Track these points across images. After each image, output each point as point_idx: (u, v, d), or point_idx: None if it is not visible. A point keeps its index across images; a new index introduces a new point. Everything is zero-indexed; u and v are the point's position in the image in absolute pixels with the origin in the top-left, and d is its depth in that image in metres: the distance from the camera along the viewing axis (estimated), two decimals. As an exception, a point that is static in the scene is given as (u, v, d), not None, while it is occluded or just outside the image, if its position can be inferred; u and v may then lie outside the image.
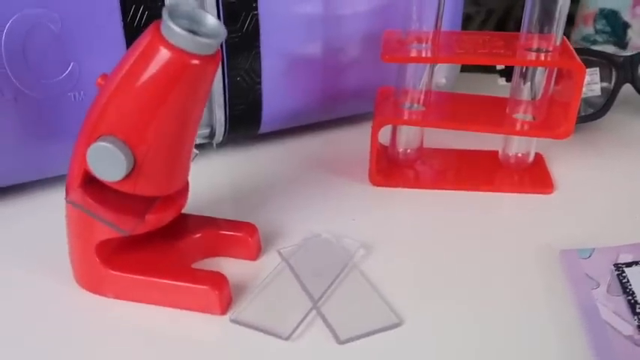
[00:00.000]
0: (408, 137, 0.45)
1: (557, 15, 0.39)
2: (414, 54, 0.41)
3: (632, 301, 0.33)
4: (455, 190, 0.44)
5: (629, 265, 0.35)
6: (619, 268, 0.35)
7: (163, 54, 0.29)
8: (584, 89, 0.50)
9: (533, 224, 0.41)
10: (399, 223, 0.41)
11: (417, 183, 0.44)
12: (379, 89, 0.45)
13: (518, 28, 0.41)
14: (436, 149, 0.47)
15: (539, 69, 0.41)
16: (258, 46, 0.43)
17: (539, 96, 0.42)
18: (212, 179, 0.45)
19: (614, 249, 0.36)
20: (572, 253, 0.37)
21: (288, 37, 0.44)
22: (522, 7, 0.40)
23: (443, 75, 0.51)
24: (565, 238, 0.39)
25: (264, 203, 0.42)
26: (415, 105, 0.43)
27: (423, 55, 0.41)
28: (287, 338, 0.32)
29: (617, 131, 0.51)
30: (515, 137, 0.44)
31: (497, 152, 0.46)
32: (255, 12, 0.42)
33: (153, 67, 0.29)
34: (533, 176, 0.45)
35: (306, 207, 0.42)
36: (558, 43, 0.40)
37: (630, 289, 0.33)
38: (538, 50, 0.40)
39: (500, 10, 0.72)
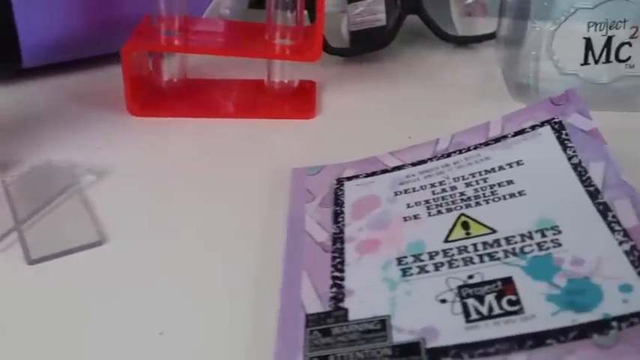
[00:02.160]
0: (172, 66, 0.44)
1: None
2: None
3: (339, 211, 0.32)
4: (218, 118, 0.43)
5: (349, 179, 0.35)
6: (339, 182, 0.35)
7: None
8: (368, 18, 0.50)
9: (285, 147, 0.40)
10: (148, 152, 0.40)
11: (178, 112, 0.43)
12: (143, 18, 0.44)
13: None
14: (203, 79, 0.46)
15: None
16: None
17: (294, 21, 0.42)
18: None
19: (341, 165, 0.36)
20: (301, 170, 0.36)
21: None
22: None
23: (226, 6, 0.49)
24: (312, 159, 0.38)
25: (11, 135, 0.40)
26: (172, 32, 0.42)
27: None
28: (-25, 260, 0.31)
29: (405, 62, 0.51)
30: (278, 64, 0.43)
31: (263, 81, 0.45)
32: None
33: None
34: (299, 103, 0.44)
35: (56, 138, 0.40)
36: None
37: (341, 201, 0.33)
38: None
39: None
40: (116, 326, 0.27)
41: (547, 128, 0.33)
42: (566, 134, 0.32)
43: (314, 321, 0.26)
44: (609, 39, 0.41)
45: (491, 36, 0.51)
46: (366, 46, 0.50)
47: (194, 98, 0.44)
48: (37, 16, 0.43)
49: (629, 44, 0.41)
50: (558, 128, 0.33)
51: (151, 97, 0.44)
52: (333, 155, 0.38)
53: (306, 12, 0.43)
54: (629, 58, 0.42)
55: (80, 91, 0.46)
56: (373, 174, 0.35)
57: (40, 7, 0.43)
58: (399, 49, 0.52)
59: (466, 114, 0.43)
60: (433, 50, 0.53)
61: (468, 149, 0.34)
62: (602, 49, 0.41)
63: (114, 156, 0.39)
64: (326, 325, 0.26)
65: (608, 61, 0.42)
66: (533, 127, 0.33)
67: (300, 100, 0.44)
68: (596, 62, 0.42)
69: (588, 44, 0.41)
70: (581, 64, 0.42)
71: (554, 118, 0.33)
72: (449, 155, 0.34)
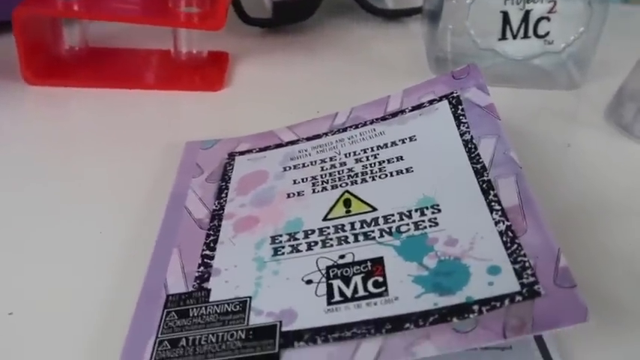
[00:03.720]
0: (73, 34, 0.41)
1: None
2: None
3: (224, 186, 0.31)
4: (120, 88, 0.40)
5: (242, 153, 0.33)
6: (231, 156, 0.33)
7: None
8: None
9: (187, 120, 0.38)
10: (42, 121, 0.38)
11: (78, 82, 0.40)
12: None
13: None
14: (107, 48, 0.43)
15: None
16: None
17: (201, -14, 0.40)
18: None
19: (237, 139, 0.34)
20: (195, 144, 0.34)
21: None
22: None
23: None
24: (212, 133, 0.36)
25: None
26: (71, -4, 0.40)
27: None
28: None
29: (329, 34, 0.49)
30: (185, 33, 0.41)
31: (169, 51, 0.43)
32: None
33: None
34: (208, 75, 0.42)
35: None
36: None
37: (228, 176, 0.31)
38: None
39: None
40: (-39, 306, 0.25)
41: (444, 103, 0.31)
42: (462, 109, 0.31)
43: (174, 302, 0.25)
44: (527, 13, 0.40)
45: (418, 10, 0.50)
46: (288, 17, 0.48)
47: (96, 68, 0.42)
48: None
49: (548, 19, 0.40)
50: (455, 103, 0.31)
51: (50, 66, 0.41)
52: (234, 130, 0.36)
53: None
54: (547, 33, 0.40)
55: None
56: (266, 149, 0.33)
57: None
58: (324, 22, 0.50)
59: (381, 89, 0.41)
60: (361, 24, 0.51)
61: (365, 124, 0.32)
62: (520, 24, 0.40)
63: (12, 126, 0.37)
64: (185, 306, 0.24)
65: (526, 36, 0.40)
66: (431, 102, 0.32)
67: (209, 72, 0.42)
68: (514, 37, 0.40)
69: (505, 18, 0.40)
70: (499, 39, 0.41)
71: (452, 93, 0.32)
72: (345, 130, 0.33)
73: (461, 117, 0.30)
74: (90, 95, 0.40)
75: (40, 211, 0.30)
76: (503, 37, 0.40)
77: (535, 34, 0.40)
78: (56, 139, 0.36)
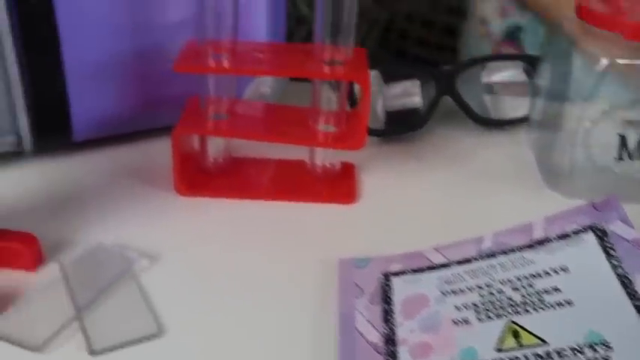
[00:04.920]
0: (217, 146, 0.45)
1: (345, 26, 0.40)
2: (211, 64, 0.41)
3: (388, 309, 0.33)
4: (262, 200, 0.44)
5: (396, 274, 0.36)
6: (387, 277, 0.36)
7: None
8: (405, 100, 0.52)
9: (329, 234, 0.41)
10: (196, 233, 0.41)
11: (223, 193, 0.44)
12: (189, 98, 0.45)
13: (403, 37, 0.41)
14: (247, 158, 0.47)
15: (339, 79, 0.42)
16: (60, 54, 0.43)
17: (339, 107, 0.43)
18: (17, 188, 0.44)
19: (387, 258, 0.37)
20: (349, 262, 0.38)
21: (95, 45, 0.44)
22: (405, 17, 0.41)
23: (268, 85, 0.51)
24: (356, 248, 0.39)
25: (63, 213, 0.42)
26: (220, 115, 0.44)
27: (220, 65, 0.41)
28: (38, 350, 0.32)
29: (440, 143, 0.53)
30: (321, 148, 0.45)
31: (304, 161, 0.46)
32: (53, 19, 0.42)
33: None
34: (340, 186, 0.45)
35: (107, 217, 0.42)
36: (350, 55, 0.41)
37: (390, 298, 0.34)
38: (332, 62, 0.41)
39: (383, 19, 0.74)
40: None
41: (590, 235, 0.34)
42: (610, 243, 0.33)
43: None
44: (644, 137, 0.43)
45: (523, 119, 0.53)
46: (401, 127, 0.52)
47: (238, 179, 0.46)
48: (90, 92, 0.45)
49: (665, 141, 0.43)
50: (601, 235, 0.34)
51: (197, 177, 0.45)
52: (375, 243, 0.39)
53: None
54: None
55: (127, 166, 0.47)
56: (419, 270, 0.36)
57: (93, 84, 0.45)
58: (432, 130, 0.53)
59: (502, 203, 0.44)
60: (466, 131, 0.54)
61: (512, 250, 0.35)
62: (637, 146, 0.43)
63: (163, 238, 0.40)
64: None
65: (643, 158, 0.43)
66: (576, 232, 0.35)
67: (339, 184, 0.46)
68: (631, 159, 0.43)
69: (623, 141, 0.43)
70: (616, 159, 0.43)
71: (596, 225, 0.34)
72: (493, 255, 0.35)
73: (610, 250, 0.33)
74: (232, 205, 0.43)
75: (223, 332, 0.34)
76: (620, 158, 0.43)
77: (652, 156, 0.43)
78: (211, 253, 0.39)
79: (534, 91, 0.51)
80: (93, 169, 0.47)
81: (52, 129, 0.45)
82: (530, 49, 0.62)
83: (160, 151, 0.48)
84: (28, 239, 0.37)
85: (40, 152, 0.47)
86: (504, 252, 0.35)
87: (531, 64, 0.53)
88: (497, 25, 0.65)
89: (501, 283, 0.33)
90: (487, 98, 0.55)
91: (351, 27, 0.40)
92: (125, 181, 0.46)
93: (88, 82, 0.44)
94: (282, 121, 0.44)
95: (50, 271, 0.37)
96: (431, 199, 0.45)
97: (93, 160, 0.48)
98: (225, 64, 0.41)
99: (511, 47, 0.65)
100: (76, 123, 0.45)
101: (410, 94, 0.52)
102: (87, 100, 0.45)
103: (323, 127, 0.44)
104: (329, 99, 0.43)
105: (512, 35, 0.64)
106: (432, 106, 0.51)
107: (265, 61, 0.42)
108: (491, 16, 0.65)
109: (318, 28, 0.41)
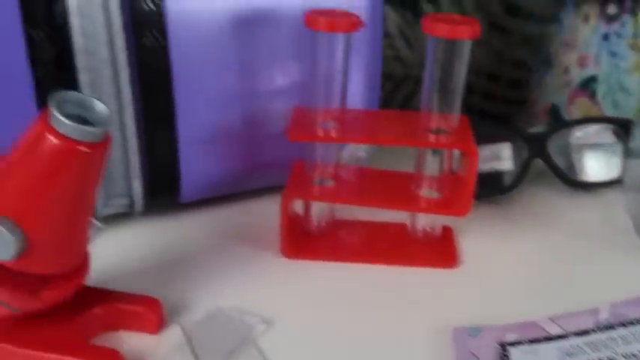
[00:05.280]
0: (321, 210, 0.46)
1: (454, 95, 0.42)
2: (320, 133, 0.43)
3: (508, 380, 0.34)
4: (365, 263, 0.45)
5: (512, 344, 0.36)
6: (503, 347, 0.36)
7: (51, 142, 0.30)
8: (495, 163, 0.53)
9: (435, 299, 0.42)
10: (305, 296, 0.42)
11: (328, 255, 0.45)
12: (293, 163, 0.47)
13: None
14: (349, 221, 0.48)
15: (442, 146, 0.43)
16: (175, 120, 0.45)
17: (442, 172, 0.44)
18: (128, 249, 0.46)
19: (501, 328, 0.38)
20: (462, 330, 0.38)
21: (205, 112, 0.46)
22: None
23: (362, 148, 0.52)
24: (463, 314, 0.40)
25: (175, 274, 0.43)
26: (325, 180, 0.45)
27: (329, 134, 0.43)
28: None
29: (530, 205, 0.53)
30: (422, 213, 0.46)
31: (405, 224, 0.47)
32: (170, 89, 0.44)
33: (42, 154, 0.30)
34: (441, 250, 0.46)
35: (218, 279, 0.43)
36: (456, 123, 0.42)
37: (509, 369, 0.35)
38: (438, 131, 0.42)
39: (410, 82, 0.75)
40: None
41: None
42: None
43: None
44: None
45: (614, 181, 0.53)
46: (493, 189, 0.52)
47: (339, 241, 0.47)
48: (199, 156, 0.47)
49: None
50: None
51: (300, 239, 0.46)
52: (482, 310, 0.40)
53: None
54: None
55: (231, 226, 0.49)
56: (536, 341, 0.36)
57: (202, 148, 0.47)
58: (521, 190, 0.54)
59: (607, 269, 0.45)
60: (556, 192, 0.54)
61: (632, 323, 0.36)
62: None
63: (274, 301, 0.41)
64: None
65: None
66: (697, 306, 0.35)
67: (440, 247, 0.46)
68: None
69: None
70: None
71: None
72: (612, 327, 0.36)
73: None
74: (335, 268, 0.45)
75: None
76: None
77: None
78: (322, 317, 0.40)
79: (627, 153, 0.51)
80: (198, 229, 0.48)
81: (163, 191, 0.47)
82: (603, 101, 0.63)
83: (262, 211, 0.50)
84: (152, 303, 0.38)
85: (147, 213, 0.49)
86: (623, 324, 0.36)
87: (622, 126, 0.53)
88: (576, 74, 0.66)
89: (625, 357, 0.34)
90: (576, 158, 0.56)
91: (458, 96, 0.42)
92: (230, 241, 0.47)
93: (198, 146, 0.46)
94: (386, 186, 0.45)
95: (173, 334, 0.38)
96: (532, 263, 0.46)
97: (197, 220, 0.50)
98: (334, 132, 0.43)
99: (584, 97, 0.65)
100: (184, 185, 0.47)
101: (501, 157, 0.53)
102: (196, 164, 0.47)
103: (426, 192, 0.45)
104: (431, 164, 0.44)
105: (587, 85, 0.65)
106: (524, 169, 0.52)
107: (373, 130, 0.44)
108: (570, 66, 0.66)
109: (425, 98, 0.42)
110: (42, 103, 0.41)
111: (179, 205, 0.50)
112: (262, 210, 0.50)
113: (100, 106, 0.31)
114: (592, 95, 0.64)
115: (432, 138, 0.42)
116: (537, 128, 0.54)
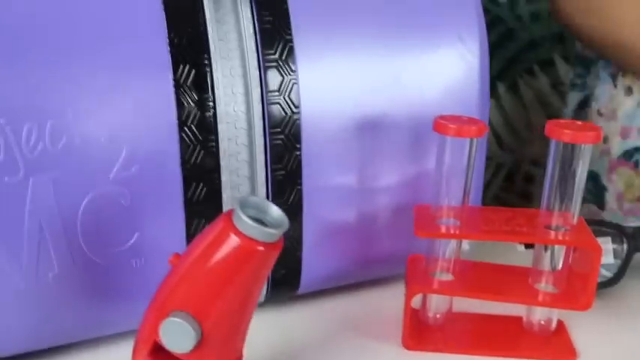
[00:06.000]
0: (438, 303, 0.48)
1: (574, 194, 0.44)
2: (443, 230, 0.45)
3: None
4: (480, 355, 0.46)
5: None
6: None
7: (234, 241, 0.33)
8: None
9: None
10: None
11: (445, 348, 0.47)
12: (410, 257, 0.49)
13: (528, 181, 0.45)
14: (464, 313, 0.50)
15: (559, 242, 0.45)
16: (301, 216, 0.47)
17: (559, 267, 0.46)
18: (254, 340, 0.48)
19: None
20: None
21: (328, 208, 0.49)
22: (530, 161, 0.45)
23: (467, 242, 0.55)
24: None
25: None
26: (444, 274, 0.47)
27: (452, 231, 0.45)
28: None
29: (633, 297, 0.55)
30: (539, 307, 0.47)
31: (521, 318, 0.49)
32: (300, 187, 0.47)
33: (223, 252, 0.33)
34: (556, 344, 0.47)
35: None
36: (575, 221, 0.45)
37: None
38: (557, 228, 0.45)
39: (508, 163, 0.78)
40: None
41: None
42: None
43: None
44: None
45: None
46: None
47: (456, 333, 0.48)
48: (319, 251, 0.49)
49: None
50: None
51: (419, 331, 0.48)
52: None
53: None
54: None
55: (347, 316, 0.51)
56: None
57: (322, 243, 0.49)
58: (622, 284, 0.55)
59: None
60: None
61: None
62: None
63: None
64: None
65: None
66: None
67: (555, 340, 0.48)
68: None
69: None
70: None
71: None
72: None
73: None
74: (451, 358, 0.46)
75: None
76: None
77: None
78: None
79: None
80: (316, 319, 0.50)
81: (284, 283, 0.49)
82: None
83: (377, 302, 0.52)
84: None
85: (265, 304, 0.51)
86: None
87: None
88: (617, 144, 0.68)
89: None
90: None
91: (579, 195, 0.44)
92: (348, 332, 0.49)
93: (320, 240, 0.49)
94: (502, 280, 0.47)
95: None
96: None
97: (312, 311, 0.52)
98: (456, 230, 0.45)
99: (627, 167, 0.68)
100: (304, 277, 0.50)
101: (603, 252, 0.54)
102: (316, 257, 0.49)
103: (543, 286, 0.46)
104: (543, 259, 0.46)
105: (630, 156, 0.67)
106: (626, 262, 0.54)
107: (493, 227, 0.46)
108: (611, 136, 0.69)
109: (546, 197, 0.44)
110: (187, 200, 0.44)
111: (295, 296, 0.52)
112: (376, 300, 0.52)
113: (276, 210, 0.34)
114: (635, 165, 0.67)
115: (551, 235, 0.44)
116: (634, 223, 0.56)
